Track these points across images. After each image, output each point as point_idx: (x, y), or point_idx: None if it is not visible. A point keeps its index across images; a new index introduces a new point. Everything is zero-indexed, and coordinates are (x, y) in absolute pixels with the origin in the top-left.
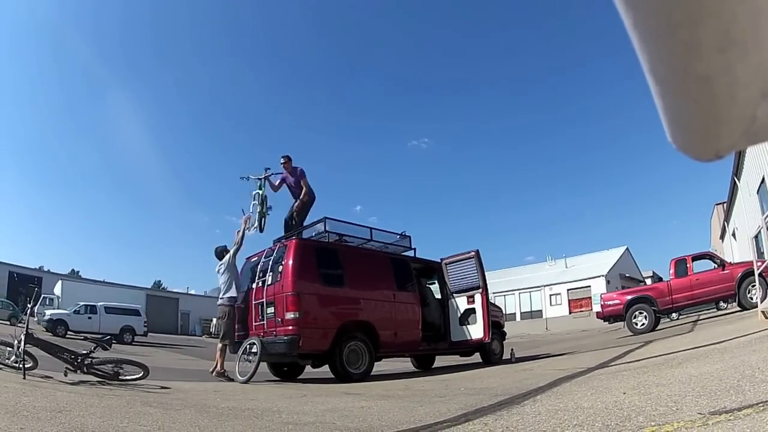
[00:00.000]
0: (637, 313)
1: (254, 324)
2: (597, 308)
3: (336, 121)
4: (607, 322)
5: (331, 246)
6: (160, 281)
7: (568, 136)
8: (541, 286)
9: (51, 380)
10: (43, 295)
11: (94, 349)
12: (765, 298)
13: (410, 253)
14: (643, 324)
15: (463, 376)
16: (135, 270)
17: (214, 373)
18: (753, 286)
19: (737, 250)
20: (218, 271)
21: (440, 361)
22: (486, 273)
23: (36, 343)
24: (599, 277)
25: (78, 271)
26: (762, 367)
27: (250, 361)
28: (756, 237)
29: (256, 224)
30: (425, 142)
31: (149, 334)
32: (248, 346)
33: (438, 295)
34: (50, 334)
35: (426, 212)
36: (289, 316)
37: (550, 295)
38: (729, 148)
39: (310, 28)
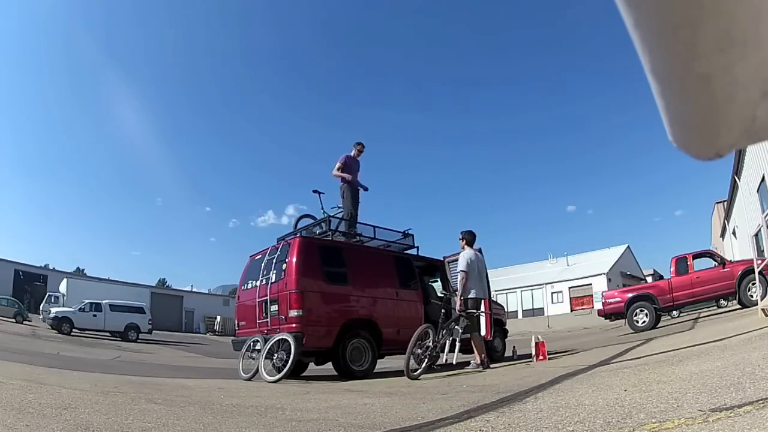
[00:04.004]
0: (638, 310)
1: (258, 321)
2: (598, 306)
3: (337, 117)
4: (608, 320)
5: (334, 244)
6: (164, 279)
7: (569, 135)
8: (543, 284)
9: (56, 377)
10: (48, 293)
11: None
12: (765, 296)
13: (413, 251)
14: (644, 321)
15: (465, 373)
16: (140, 268)
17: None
18: (753, 284)
19: (737, 248)
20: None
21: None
22: (488, 271)
23: None
24: (600, 275)
25: (83, 269)
26: (762, 364)
27: (253, 359)
28: (756, 235)
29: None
30: (425, 139)
31: (154, 331)
32: (252, 344)
33: (440, 293)
34: (56, 331)
35: (428, 210)
36: (293, 313)
37: (552, 293)
38: (729, 147)
39: (312, 27)
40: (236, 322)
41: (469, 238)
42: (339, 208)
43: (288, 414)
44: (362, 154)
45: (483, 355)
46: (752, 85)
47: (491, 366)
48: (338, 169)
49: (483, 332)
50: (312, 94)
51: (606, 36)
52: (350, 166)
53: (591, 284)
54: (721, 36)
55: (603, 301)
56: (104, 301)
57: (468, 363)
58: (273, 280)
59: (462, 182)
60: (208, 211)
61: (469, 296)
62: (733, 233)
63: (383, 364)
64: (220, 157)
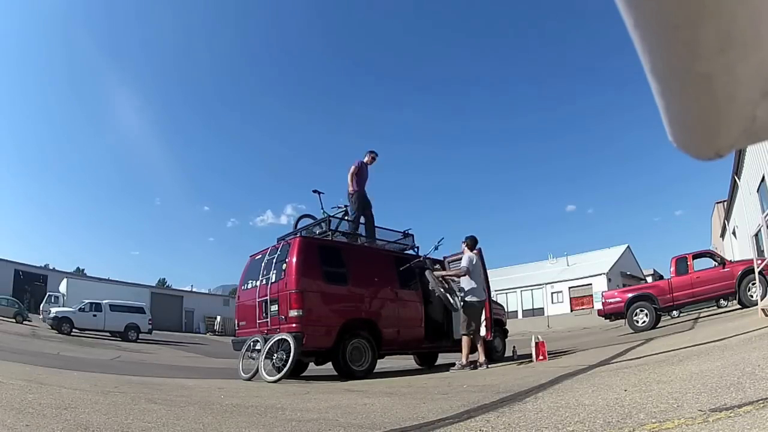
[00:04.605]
0: (638, 310)
1: (258, 321)
2: (598, 306)
3: (337, 117)
4: (608, 320)
5: (334, 244)
6: (164, 279)
7: (569, 135)
8: (543, 284)
9: (56, 377)
10: (48, 293)
11: None
12: (765, 296)
13: (413, 251)
14: (644, 322)
15: (465, 373)
16: (140, 268)
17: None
18: (753, 284)
19: (737, 248)
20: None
21: (443, 358)
22: (488, 271)
23: None
24: (600, 275)
25: (83, 269)
26: (762, 364)
27: (253, 359)
28: (756, 235)
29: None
30: (425, 139)
31: (154, 331)
32: (252, 344)
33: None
34: (56, 331)
35: (428, 210)
36: (293, 313)
37: (552, 293)
38: (729, 146)
39: (312, 26)
40: (236, 322)
41: (471, 243)
42: (339, 208)
43: (288, 414)
44: (374, 163)
45: (476, 356)
46: (752, 85)
47: (490, 366)
48: (353, 174)
49: (483, 332)
50: (312, 93)
51: (606, 36)
52: (363, 173)
53: (591, 284)
54: (722, 36)
55: (603, 301)
56: (104, 301)
57: (475, 362)
58: (273, 280)
59: (462, 182)
60: (207, 211)
61: (467, 299)
62: (733, 233)
63: (383, 364)
64: (219, 156)
